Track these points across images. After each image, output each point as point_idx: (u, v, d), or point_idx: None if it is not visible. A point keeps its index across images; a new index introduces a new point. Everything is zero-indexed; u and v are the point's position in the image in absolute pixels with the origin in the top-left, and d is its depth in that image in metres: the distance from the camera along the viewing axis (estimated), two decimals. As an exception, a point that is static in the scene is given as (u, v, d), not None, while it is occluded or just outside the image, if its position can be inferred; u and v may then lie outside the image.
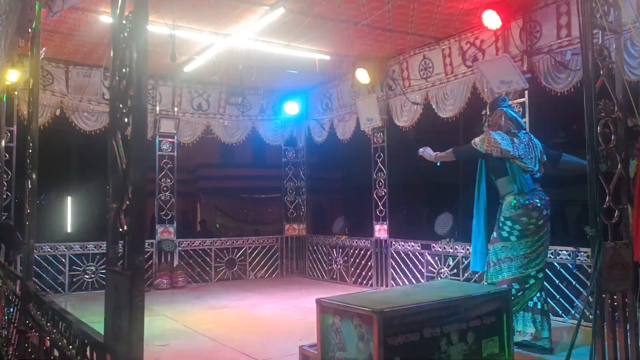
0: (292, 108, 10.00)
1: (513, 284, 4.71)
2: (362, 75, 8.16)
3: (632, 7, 4.28)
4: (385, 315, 3.36)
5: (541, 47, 6.16)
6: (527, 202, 4.82)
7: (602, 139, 3.23)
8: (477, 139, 5.10)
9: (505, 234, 4.86)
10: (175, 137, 9.35)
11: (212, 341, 5.50)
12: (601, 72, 3.26)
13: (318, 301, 3.89)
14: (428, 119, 7.87)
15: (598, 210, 3.17)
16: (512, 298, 4.54)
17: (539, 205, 4.84)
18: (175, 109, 9.35)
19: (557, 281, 6.06)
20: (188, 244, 9.62)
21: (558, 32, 6.00)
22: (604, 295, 3.13)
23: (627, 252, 3.22)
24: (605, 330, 3.14)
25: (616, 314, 3.23)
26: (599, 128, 3.21)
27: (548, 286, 6.13)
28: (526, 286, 4.78)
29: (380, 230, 8.54)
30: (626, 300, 3.25)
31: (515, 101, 6.48)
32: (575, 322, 4.62)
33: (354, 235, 9.46)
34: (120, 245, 1.89)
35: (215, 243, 9.94)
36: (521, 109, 6.43)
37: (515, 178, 4.88)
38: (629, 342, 3.22)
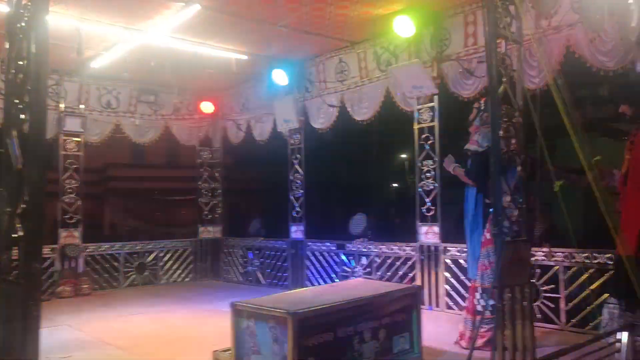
0: (207, 108, 9.77)
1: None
2: (279, 77, 8.15)
3: (532, 19, 4.59)
4: (299, 317, 3.36)
5: (450, 54, 6.45)
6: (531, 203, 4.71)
7: (504, 142, 3.43)
8: (477, 139, 4.86)
9: None
10: (82, 136, 8.84)
11: (120, 351, 5.24)
12: (504, 80, 3.46)
13: (232, 305, 3.83)
14: (344, 121, 8.00)
15: (499, 209, 3.36)
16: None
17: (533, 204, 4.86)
18: (82, 106, 8.83)
19: (461, 276, 6.38)
20: (95, 248, 9.11)
21: (465, 41, 6.31)
22: (504, 290, 3.33)
23: (526, 249, 3.45)
24: (506, 321, 3.34)
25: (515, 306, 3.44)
26: (501, 132, 3.41)
27: (454, 282, 6.45)
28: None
29: (297, 232, 8.57)
30: (524, 293, 3.47)
31: (425, 105, 6.76)
32: (478, 315, 4.89)
33: (270, 237, 9.43)
34: (15, 252, 1.74)
35: (125, 247, 9.51)
36: (431, 113, 6.71)
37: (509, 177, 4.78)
38: (526, 331, 3.44)
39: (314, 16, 6.48)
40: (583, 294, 5.26)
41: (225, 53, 7.62)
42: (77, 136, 8.80)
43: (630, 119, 4.23)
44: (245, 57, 7.83)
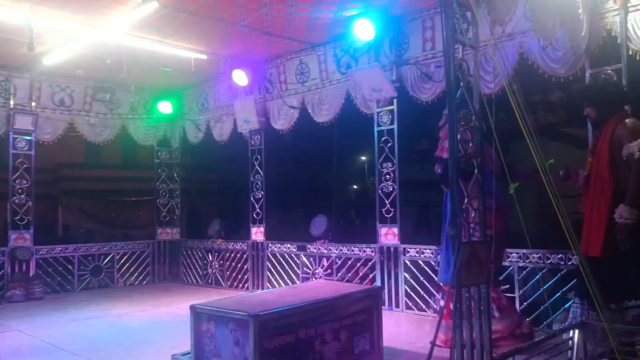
0: (165, 107, 9.59)
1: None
2: (240, 77, 8.09)
3: (487, 26, 4.71)
4: (260, 319, 3.35)
5: (409, 58, 6.55)
6: (500, 206, 4.70)
7: (462, 146, 3.51)
8: (447, 146, 4.91)
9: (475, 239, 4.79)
10: (33, 134, 8.53)
11: (74, 356, 5.08)
12: (461, 84, 3.54)
13: (192, 307, 3.78)
14: (305, 122, 8.01)
15: (457, 211, 3.44)
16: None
17: (505, 206, 4.86)
18: (33, 103, 8.54)
19: (421, 277, 6.49)
20: (47, 251, 8.82)
21: (424, 45, 6.43)
22: (463, 290, 3.40)
23: (483, 249, 3.53)
24: (464, 320, 3.41)
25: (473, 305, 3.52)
26: (458, 135, 3.48)
27: (413, 282, 6.56)
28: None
29: (257, 233, 8.52)
30: (481, 293, 3.56)
31: (384, 108, 6.85)
32: (436, 315, 4.99)
33: (231, 239, 9.35)
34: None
35: (79, 249, 9.24)
36: (391, 116, 6.80)
37: (485, 179, 4.80)
38: (483, 330, 3.53)
39: (274, 17, 6.46)
40: (536, 294, 5.45)
41: (184, 52, 7.51)
42: (28, 134, 8.50)
43: (593, 122, 4.36)
44: (204, 57, 7.74)
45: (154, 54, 7.37)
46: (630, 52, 4.80)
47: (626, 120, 4.03)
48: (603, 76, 4.69)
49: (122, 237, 12.61)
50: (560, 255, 5.33)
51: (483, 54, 5.26)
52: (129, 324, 6.55)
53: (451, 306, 4.68)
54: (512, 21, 5.49)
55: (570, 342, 3.62)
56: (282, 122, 8.17)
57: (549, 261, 5.43)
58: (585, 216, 4.29)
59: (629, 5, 4.78)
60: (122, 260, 9.60)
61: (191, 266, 9.79)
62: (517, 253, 5.64)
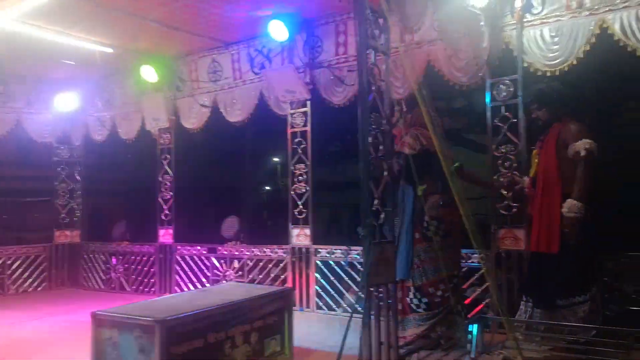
0: (66, 102, 8.99)
1: (439, 285, 4.66)
2: (149, 73, 7.78)
3: (397, 33, 4.87)
4: (167, 324, 3.23)
5: (322, 61, 6.63)
6: (450, 200, 4.60)
7: (372, 148, 3.60)
8: (409, 141, 4.71)
9: (430, 234, 4.67)
10: None
11: (-44, 372, 4.65)
12: (373, 89, 3.63)
13: (93, 314, 3.56)
14: (217, 122, 7.85)
15: (368, 212, 3.52)
16: (439, 300, 4.62)
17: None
18: None
19: (331, 277, 6.58)
20: None
21: (337, 49, 6.53)
22: (372, 289, 3.48)
23: (391, 249, 3.64)
24: (372, 318, 3.50)
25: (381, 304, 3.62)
26: (370, 138, 3.57)
27: (324, 282, 6.63)
28: (451, 286, 4.70)
29: (165, 235, 8.24)
30: (389, 291, 3.66)
31: (298, 110, 6.87)
32: (347, 314, 5.06)
33: (137, 241, 8.96)
34: None
35: (-36, 254, 8.45)
36: (304, 118, 6.84)
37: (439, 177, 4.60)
38: (391, 327, 3.64)
39: (186, 13, 6.28)
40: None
41: (88, 44, 7.09)
42: None
43: (542, 124, 4.63)
44: (110, 50, 7.35)
45: (54, 44, 6.90)
46: (525, 64, 5.19)
47: (571, 123, 4.37)
48: (548, 81, 4.83)
49: (14, 241, 11.66)
50: (476, 255, 5.35)
51: (393, 60, 5.43)
52: (23, 334, 6.07)
53: (408, 301, 4.74)
54: (421, 30, 5.73)
55: (469, 335, 3.83)
56: (193, 121, 7.96)
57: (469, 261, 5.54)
58: (534, 215, 4.55)
59: (525, 21, 5.16)
60: (14, 266, 8.90)
61: (93, 270, 9.26)
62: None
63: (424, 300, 4.61)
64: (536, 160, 4.60)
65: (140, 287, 8.53)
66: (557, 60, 4.98)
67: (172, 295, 7.15)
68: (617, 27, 4.65)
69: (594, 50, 4.87)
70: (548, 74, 5.05)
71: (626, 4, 4.62)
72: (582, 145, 4.15)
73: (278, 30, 6.36)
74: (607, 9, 4.72)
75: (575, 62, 4.90)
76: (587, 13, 4.84)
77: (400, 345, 4.01)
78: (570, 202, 4.10)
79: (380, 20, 3.81)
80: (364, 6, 3.54)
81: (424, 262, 4.70)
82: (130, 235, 9.20)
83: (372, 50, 3.72)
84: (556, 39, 5.00)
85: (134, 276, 8.65)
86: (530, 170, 4.69)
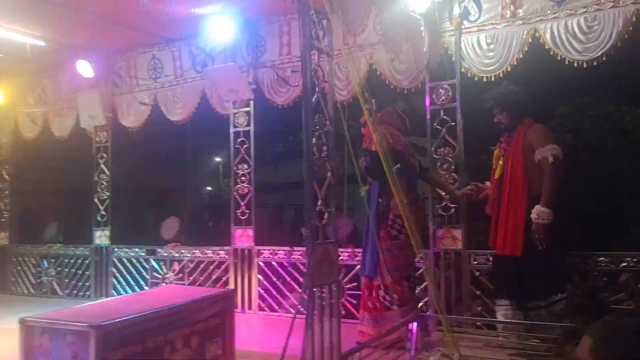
0: (-7, 97, 8.52)
1: (403, 282, 4.66)
2: (84, 68, 7.48)
3: (341, 35, 4.90)
4: (103, 330, 3.11)
5: (265, 61, 6.60)
6: (416, 199, 4.74)
7: (316, 149, 3.61)
8: (376, 139, 4.49)
9: (395, 232, 4.66)
10: None
11: None
12: (317, 90, 3.65)
13: (22, 320, 3.38)
14: (158, 120, 7.65)
15: (312, 213, 3.53)
16: (408, 296, 4.61)
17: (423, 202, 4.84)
18: None
19: (274, 278, 6.55)
20: None
21: (280, 49, 6.51)
22: (315, 289, 3.49)
23: (334, 250, 3.66)
24: (315, 319, 3.51)
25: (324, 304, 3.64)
26: (314, 139, 3.58)
27: (266, 283, 6.59)
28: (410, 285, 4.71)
29: (102, 237, 7.94)
30: (332, 292, 3.69)
31: (241, 110, 6.81)
32: (289, 315, 5.05)
33: (70, 243, 8.58)
34: None
35: None
36: (247, 118, 6.78)
37: (405, 175, 4.60)
38: (333, 327, 3.66)
39: (124, 7, 6.05)
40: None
41: (18, 36, 6.72)
42: None
43: (505, 128, 4.72)
44: (42, 44, 7.00)
45: (-20, 35, 6.51)
46: (463, 70, 5.37)
47: (535, 126, 4.49)
48: (510, 85, 4.88)
49: None
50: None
51: (337, 62, 5.49)
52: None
53: (381, 299, 4.73)
54: (364, 33, 5.81)
55: (409, 334, 3.91)
56: (132, 119, 7.72)
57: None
58: (493, 218, 4.62)
59: (463, 27, 5.35)
60: None
61: (22, 274, 8.79)
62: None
63: (395, 296, 4.61)
64: (500, 162, 4.69)
65: (74, 292, 8.18)
66: (493, 67, 5.20)
67: (108, 299, 6.90)
68: (547, 36, 4.90)
69: (527, 58, 5.11)
70: (484, 79, 5.26)
71: (556, 15, 4.87)
72: (549, 152, 4.27)
73: (220, 29, 6.26)
74: (539, 19, 4.97)
75: (509, 69, 5.13)
76: (521, 22, 5.08)
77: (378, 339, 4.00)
78: (539, 209, 4.19)
79: (324, 22, 3.83)
80: (309, 7, 3.54)
81: (387, 261, 4.64)
82: (64, 237, 8.81)
83: (316, 52, 3.73)
84: (492, 46, 5.22)
85: (67, 280, 8.29)
86: (496, 171, 4.74)
